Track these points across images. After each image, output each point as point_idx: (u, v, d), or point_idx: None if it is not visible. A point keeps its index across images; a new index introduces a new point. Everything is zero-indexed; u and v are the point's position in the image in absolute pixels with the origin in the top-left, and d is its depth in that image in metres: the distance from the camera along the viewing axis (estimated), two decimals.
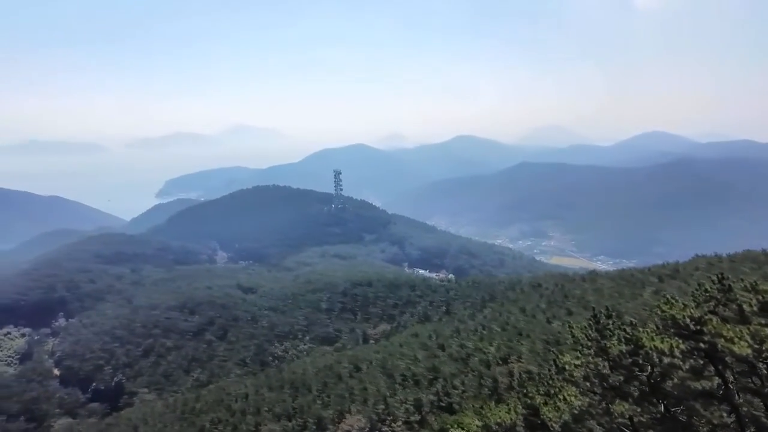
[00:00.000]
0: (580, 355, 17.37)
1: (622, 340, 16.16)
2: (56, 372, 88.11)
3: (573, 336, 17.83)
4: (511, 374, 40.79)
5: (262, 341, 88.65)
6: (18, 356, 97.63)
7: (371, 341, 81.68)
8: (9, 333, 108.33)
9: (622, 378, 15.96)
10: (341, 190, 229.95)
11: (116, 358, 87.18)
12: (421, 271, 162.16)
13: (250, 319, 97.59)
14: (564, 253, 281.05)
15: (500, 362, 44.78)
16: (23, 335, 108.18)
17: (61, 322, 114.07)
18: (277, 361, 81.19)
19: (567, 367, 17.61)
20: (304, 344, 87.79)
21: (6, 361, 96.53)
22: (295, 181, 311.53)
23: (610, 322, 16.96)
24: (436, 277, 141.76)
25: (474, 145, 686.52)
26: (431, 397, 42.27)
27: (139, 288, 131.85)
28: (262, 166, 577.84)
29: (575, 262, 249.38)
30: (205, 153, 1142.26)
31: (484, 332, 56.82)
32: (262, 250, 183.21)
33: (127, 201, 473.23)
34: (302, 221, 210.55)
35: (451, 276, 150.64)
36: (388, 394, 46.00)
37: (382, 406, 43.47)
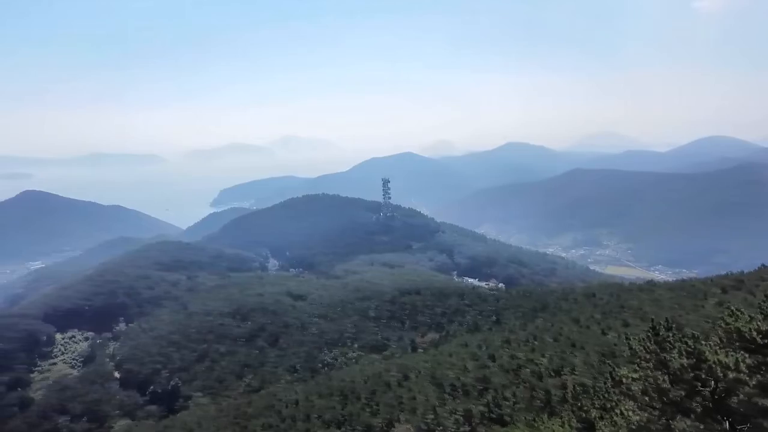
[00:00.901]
0: (637, 368, 16.74)
1: (684, 353, 15.49)
2: (117, 375, 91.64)
3: (630, 348, 17.21)
4: (564, 387, 39.69)
5: (311, 348, 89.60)
6: (82, 359, 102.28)
7: (420, 350, 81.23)
8: (74, 336, 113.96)
9: (683, 393, 15.28)
10: (389, 198, 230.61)
11: (172, 363, 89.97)
12: (471, 280, 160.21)
13: (300, 326, 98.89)
14: (619, 263, 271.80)
15: (553, 374, 43.68)
16: (86, 339, 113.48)
17: (122, 326, 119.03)
18: (326, 368, 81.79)
19: (624, 380, 17.01)
20: (353, 352, 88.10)
21: (71, 363, 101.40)
22: (344, 189, 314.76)
23: (670, 334, 16.29)
24: (486, 286, 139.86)
25: (525, 152, 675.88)
26: (481, 408, 41.63)
27: (194, 294, 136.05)
28: (312, 176, 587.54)
29: (631, 271, 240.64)
30: (258, 163, 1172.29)
31: (536, 343, 55.58)
32: (311, 258, 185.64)
33: (183, 210, 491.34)
34: (351, 229, 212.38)
35: (501, 285, 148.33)
36: (437, 403, 45.63)
37: (431, 416, 43.12)
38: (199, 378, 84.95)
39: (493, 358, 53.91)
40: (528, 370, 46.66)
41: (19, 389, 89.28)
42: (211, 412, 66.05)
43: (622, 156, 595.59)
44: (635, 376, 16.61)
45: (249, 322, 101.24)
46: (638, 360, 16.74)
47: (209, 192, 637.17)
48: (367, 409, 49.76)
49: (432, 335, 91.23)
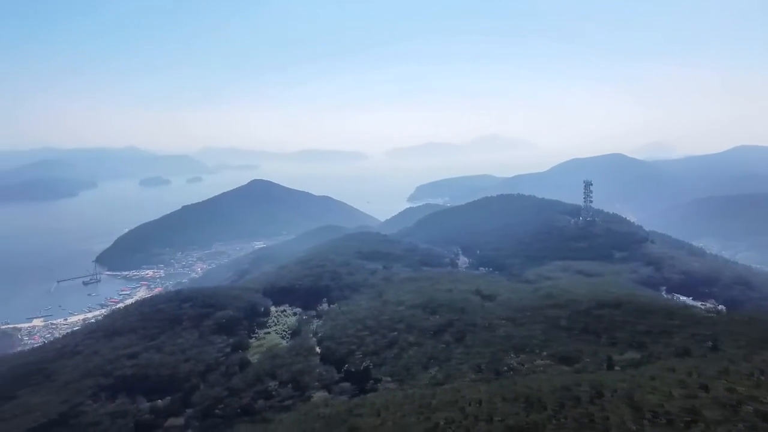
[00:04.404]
0: None
1: None
2: (318, 350, 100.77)
3: None
4: None
5: (497, 350, 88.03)
6: (290, 332, 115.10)
7: (616, 368, 74.64)
8: (285, 311, 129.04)
9: None
10: (591, 202, 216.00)
11: (365, 345, 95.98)
12: (683, 298, 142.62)
13: (488, 326, 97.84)
14: None
15: None
16: (295, 314, 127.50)
17: (324, 306, 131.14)
18: (511, 372, 79.67)
19: None
20: (541, 359, 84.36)
21: (281, 334, 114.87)
22: (540, 190, 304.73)
23: None
24: (701, 307, 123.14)
25: (759, 156, 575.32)
26: None
27: (388, 284, 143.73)
28: (508, 175, 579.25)
29: None
30: (455, 162, 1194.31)
31: (762, 378, 47.17)
32: (502, 259, 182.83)
33: (382, 203, 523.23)
34: (546, 232, 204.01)
35: (720, 307, 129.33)
36: (634, 428, 41.43)
37: None
38: (388, 363, 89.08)
39: (705, 388, 47.10)
40: (750, 408, 39.79)
41: (240, 351, 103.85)
42: (397, 397, 68.73)
43: None
44: None
45: (437, 316, 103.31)
46: None
47: (406, 187, 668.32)
48: (554, 421, 47.18)
49: (631, 354, 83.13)
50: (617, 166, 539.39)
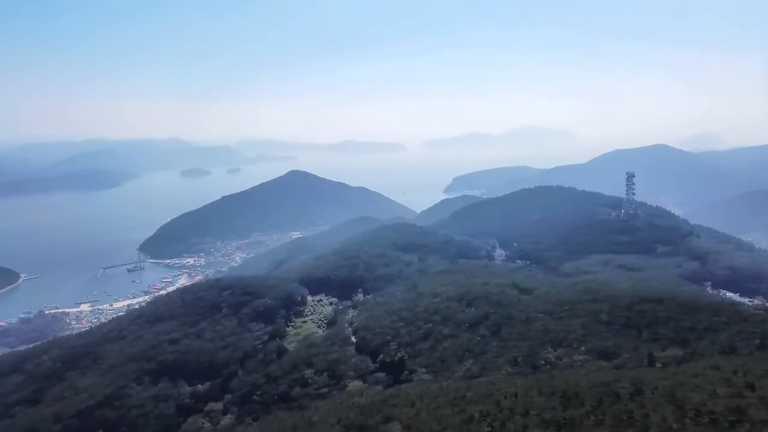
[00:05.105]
0: None
1: None
2: (353, 339, 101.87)
3: None
4: None
5: (534, 344, 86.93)
6: (326, 321, 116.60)
7: (658, 364, 72.76)
8: (321, 300, 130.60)
9: None
10: (634, 194, 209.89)
11: (400, 337, 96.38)
12: (729, 294, 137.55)
13: (524, 319, 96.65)
14: None
15: None
16: (331, 304, 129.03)
17: (360, 297, 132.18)
18: (548, 367, 78.67)
19: None
20: (579, 354, 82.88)
21: (317, 323, 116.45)
22: (580, 182, 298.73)
23: None
24: (749, 303, 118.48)
25: None
26: None
27: (423, 276, 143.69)
28: (547, 167, 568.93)
29: None
30: (492, 153, 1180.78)
31: None
32: (539, 252, 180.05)
33: (418, 194, 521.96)
34: (585, 225, 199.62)
35: None
36: (675, 426, 40.42)
37: None
38: (423, 355, 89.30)
39: (752, 387, 45.52)
40: None
41: (277, 339, 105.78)
42: (432, 389, 68.84)
43: None
44: None
45: (473, 309, 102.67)
46: None
47: (443, 179, 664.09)
48: (591, 417, 46.43)
49: (674, 351, 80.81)
50: (662, 157, 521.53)
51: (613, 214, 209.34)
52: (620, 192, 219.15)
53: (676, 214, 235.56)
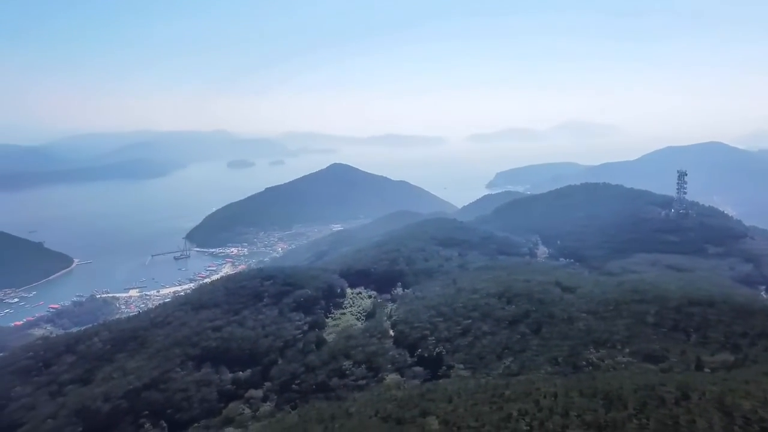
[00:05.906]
0: None
1: None
2: (391, 333, 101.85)
3: None
4: None
5: (576, 344, 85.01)
6: (365, 314, 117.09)
7: (706, 369, 70.11)
8: (360, 293, 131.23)
9: None
10: (685, 193, 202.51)
11: (438, 332, 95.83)
12: None
13: (566, 318, 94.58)
14: None
15: None
16: (370, 297, 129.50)
17: (399, 290, 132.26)
18: (590, 368, 76.77)
19: None
20: (623, 356, 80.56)
21: (356, 315, 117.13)
22: (629, 180, 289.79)
23: None
24: None
25: None
26: None
27: (463, 271, 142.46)
28: (594, 163, 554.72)
29: None
30: (537, 148, 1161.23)
31: None
32: (584, 251, 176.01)
33: (460, 189, 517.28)
34: (632, 224, 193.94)
35: None
36: None
37: None
38: (461, 351, 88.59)
39: None
40: None
41: (317, 330, 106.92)
42: (470, 385, 68.32)
43: None
44: None
45: (513, 306, 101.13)
46: None
47: (486, 174, 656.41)
48: (635, 420, 45.14)
49: (725, 356, 77.66)
50: (716, 155, 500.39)
51: (663, 213, 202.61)
52: (671, 191, 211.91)
53: (730, 215, 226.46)
